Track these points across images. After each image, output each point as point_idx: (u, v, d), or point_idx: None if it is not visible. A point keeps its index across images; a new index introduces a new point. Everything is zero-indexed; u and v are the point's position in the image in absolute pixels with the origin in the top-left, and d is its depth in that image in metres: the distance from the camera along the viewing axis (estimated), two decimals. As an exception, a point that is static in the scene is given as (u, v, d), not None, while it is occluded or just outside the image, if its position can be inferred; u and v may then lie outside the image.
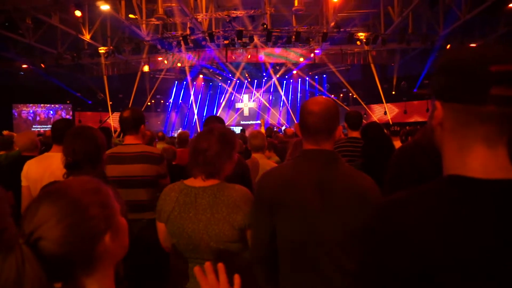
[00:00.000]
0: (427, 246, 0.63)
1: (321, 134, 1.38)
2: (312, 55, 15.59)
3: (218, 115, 22.58)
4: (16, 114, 18.09)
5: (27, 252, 0.67)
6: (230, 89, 22.44)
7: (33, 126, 17.86)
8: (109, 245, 0.79)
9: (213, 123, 2.45)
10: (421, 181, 1.28)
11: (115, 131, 12.76)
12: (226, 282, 0.89)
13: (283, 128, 15.92)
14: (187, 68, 18.52)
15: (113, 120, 16.59)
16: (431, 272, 0.62)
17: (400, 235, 0.66)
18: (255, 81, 22.69)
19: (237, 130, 16.95)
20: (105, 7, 11.12)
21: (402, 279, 0.65)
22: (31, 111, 18.43)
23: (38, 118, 18.39)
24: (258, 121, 18.31)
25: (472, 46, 0.72)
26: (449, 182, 0.70)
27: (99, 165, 1.76)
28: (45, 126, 17.35)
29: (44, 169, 2.32)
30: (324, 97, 1.50)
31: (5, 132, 5.40)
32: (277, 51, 15.72)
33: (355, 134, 3.26)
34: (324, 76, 21.42)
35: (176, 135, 15.68)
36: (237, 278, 0.90)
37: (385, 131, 3.63)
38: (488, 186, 0.65)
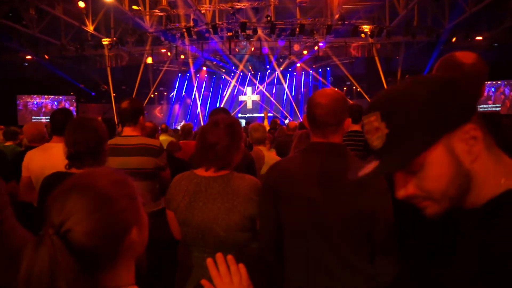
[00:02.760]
0: None
1: (329, 126, 1.38)
2: (316, 47, 15.48)
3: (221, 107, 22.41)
4: (20, 105, 18.15)
5: (57, 243, 0.67)
6: (233, 82, 22.36)
7: (37, 117, 17.91)
8: (135, 238, 0.79)
9: (218, 114, 2.40)
10: None
11: (118, 123, 12.79)
12: (237, 273, 0.90)
13: (286, 121, 15.89)
14: (190, 60, 18.45)
15: (115, 112, 16.61)
16: None
17: None
18: (259, 73, 22.56)
19: (241, 123, 16.89)
20: (108, -2, 11.08)
21: None
22: (35, 102, 18.48)
23: (43, 109, 18.44)
24: (262, 114, 18.27)
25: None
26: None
27: (101, 156, 1.75)
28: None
29: (45, 160, 2.33)
30: (332, 89, 1.49)
31: None
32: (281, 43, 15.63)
33: (356, 127, 3.26)
34: (328, 69, 21.26)
35: (179, 127, 15.70)
36: (242, 268, 0.92)
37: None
38: None
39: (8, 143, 3.87)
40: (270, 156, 3.17)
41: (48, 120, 2.60)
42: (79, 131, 1.72)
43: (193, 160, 1.67)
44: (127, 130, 2.50)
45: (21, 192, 2.42)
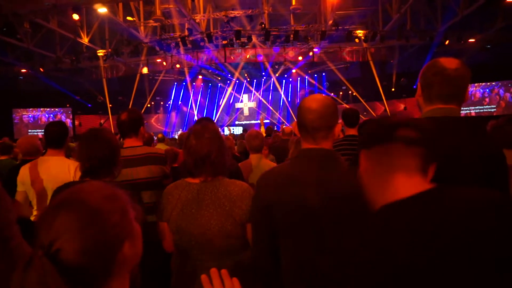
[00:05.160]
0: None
1: (319, 132, 1.37)
2: (310, 53, 15.58)
3: (217, 115, 22.41)
4: (16, 118, 18.11)
5: (47, 265, 0.64)
6: (229, 89, 22.42)
7: (33, 130, 17.85)
8: (127, 252, 0.76)
9: (200, 123, 2.41)
10: None
11: (116, 134, 12.77)
12: (231, 287, 0.90)
13: (282, 126, 15.92)
14: (186, 69, 18.53)
15: (112, 122, 16.59)
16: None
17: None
18: (255, 80, 22.66)
19: (238, 130, 16.91)
20: (102, 10, 11.11)
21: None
22: (31, 115, 18.44)
23: (39, 122, 18.40)
24: (258, 121, 18.31)
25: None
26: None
27: (115, 168, 1.73)
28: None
29: (41, 173, 2.31)
30: (322, 94, 1.48)
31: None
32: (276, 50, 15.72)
33: (352, 131, 3.25)
34: (324, 74, 21.39)
35: (176, 136, 15.68)
36: (236, 282, 0.91)
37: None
38: None
39: (3, 157, 3.83)
40: (264, 164, 3.14)
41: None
42: (93, 144, 1.68)
43: (183, 171, 1.65)
44: (129, 141, 2.45)
45: (21, 208, 2.38)
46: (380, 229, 0.86)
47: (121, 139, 2.61)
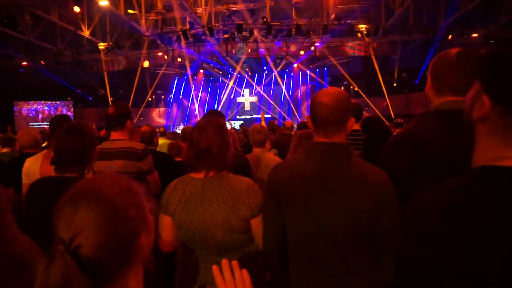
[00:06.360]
0: (460, 248, 0.60)
1: (331, 126, 1.36)
2: (312, 48, 15.51)
3: (219, 109, 22.52)
4: (17, 111, 18.10)
5: (69, 260, 0.66)
6: (231, 84, 22.38)
7: (34, 123, 17.85)
8: (143, 244, 0.79)
9: (210, 116, 2.40)
10: (413, 170, 1.27)
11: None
12: (241, 279, 0.91)
13: (283, 121, 15.90)
14: (187, 63, 18.47)
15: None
16: (471, 273, 0.59)
17: (432, 236, 0.65)
18: (256, 75, 22.60)
19: (238, 124, 16.90)
20: (104, 3, 11.06)
21: (440, 280, 0.63)
22: (32, 108, 18.44)
23: (41, 116, 18.40)
24: (259, 115, 18.34)
25: None
26: (482, 175, 0.66)
27: (86, 163, 1.75)
28: (47, 123, 17.33)
29: (45, 166, 2.31)
30: (335, 88, 1.46)
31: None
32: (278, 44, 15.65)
33: (356, 126, 3.25)
34: (325, 69, 21.32)
35: (178, 130, 15.68)
36: (246, 274, 0.92)
37: (387, 123, 3.62)
38: None
39: (4, 150, 3.83)
40: (268, 158, 3.14)
41: (45, 126, 2.58)
42: (65, 137, 1.70)
43: (188, 165, 1.65)
44: (114, 135, 2.52)
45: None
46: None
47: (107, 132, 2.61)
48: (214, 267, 0.93)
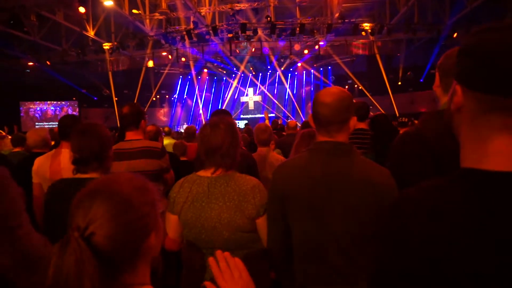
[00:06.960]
0: (438, 249, 0.58)
1: (333, 125, 1.37)
2: (316, 46, 15.48)
3: (223, 108, 22.43)
4: (23, 111, 18.24)
5: (83, 245, 0.70)
6: (234, 83, 22.39)
7: (40, 123, 17.98)
8: (152, 243, 0.83)
9: (218, 115, 2.40)
10: (421, 170, 1.26)
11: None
12: (236, 267, 0.94)
13: (287, 120, 15.89)
14: (191, 63, 18.51)
15: (118, 116, 16.66)
16: (444, 275, 0.57)
17: (410, 235, 0.62)
18: (260, 74, 22.60)
19: (243, 124, 16.95)
20: (108, 3, 11.12)
21: (414, 281, 0.60)
22: (38, 108, 18.57)
23: (46, 115, 18.53)
24: (262, 115, 18.32)
25: (506, 26, 0.61)
26: (463, 176, 0.65)
27: (105, 161, 1.78)
28: (53, 123, 17.46)
29: (55, 165, 2.33)
30: (337, 87, 1.47)
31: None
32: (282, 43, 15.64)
33: (362, 125, 3.25)
34: (329, 68, 21.26)
35: (182, 129, 15.71)
36: (239, 262, 0.95)
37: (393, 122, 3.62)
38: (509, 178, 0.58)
39: (16, 149, 3.89)
40: (274, 157, 3.15)
41: (52, 126, 2.61)
42: (83, 136, 1.74)
43: (197, 163, 1.67)
44: (130, 135, 2.53)
45: (34, 201, 2.40)
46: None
47: (116, 134, 2.63)
48: (211, 259, 0.96)
